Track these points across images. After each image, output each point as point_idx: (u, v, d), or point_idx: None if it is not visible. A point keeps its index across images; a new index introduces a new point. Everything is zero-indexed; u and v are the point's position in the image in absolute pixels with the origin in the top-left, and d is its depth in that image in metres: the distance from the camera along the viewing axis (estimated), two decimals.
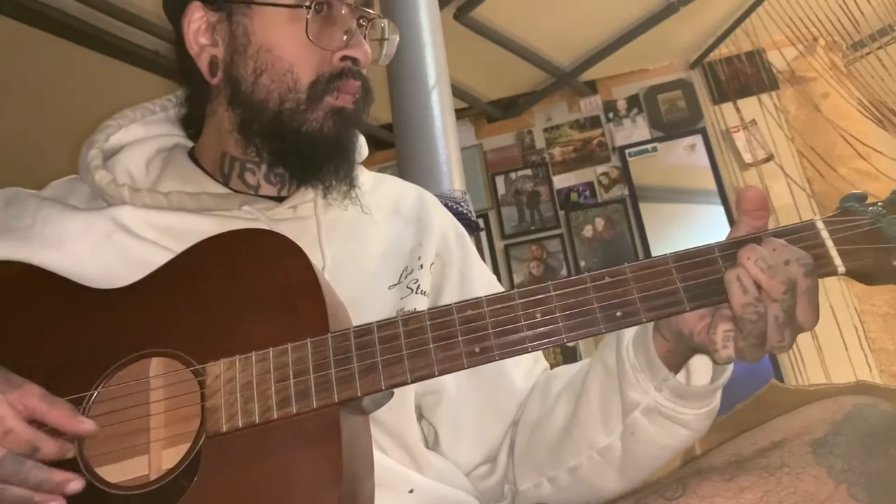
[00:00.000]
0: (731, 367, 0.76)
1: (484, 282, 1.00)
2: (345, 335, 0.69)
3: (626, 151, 3.77)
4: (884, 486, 0.59)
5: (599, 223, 3.70)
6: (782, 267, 0.63)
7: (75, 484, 0.66)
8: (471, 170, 3.70)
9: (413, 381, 0.67)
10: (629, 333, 0.78)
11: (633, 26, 3.35)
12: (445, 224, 1.01)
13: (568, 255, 3.69)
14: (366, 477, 0.69)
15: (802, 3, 3.24)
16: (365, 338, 0.68)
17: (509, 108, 3.97)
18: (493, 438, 0.91)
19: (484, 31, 3.15)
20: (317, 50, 0.86)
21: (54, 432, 0.68)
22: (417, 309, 0.83)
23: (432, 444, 0.92)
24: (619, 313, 0.66)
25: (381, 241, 0.94)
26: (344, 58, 0.87)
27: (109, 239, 0.84)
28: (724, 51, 3.68)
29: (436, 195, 2.05)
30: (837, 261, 0.65)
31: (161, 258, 0.78)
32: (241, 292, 0.73)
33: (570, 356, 3.31)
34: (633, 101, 3.84)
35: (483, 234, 3.71)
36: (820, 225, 0.67)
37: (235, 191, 0.91)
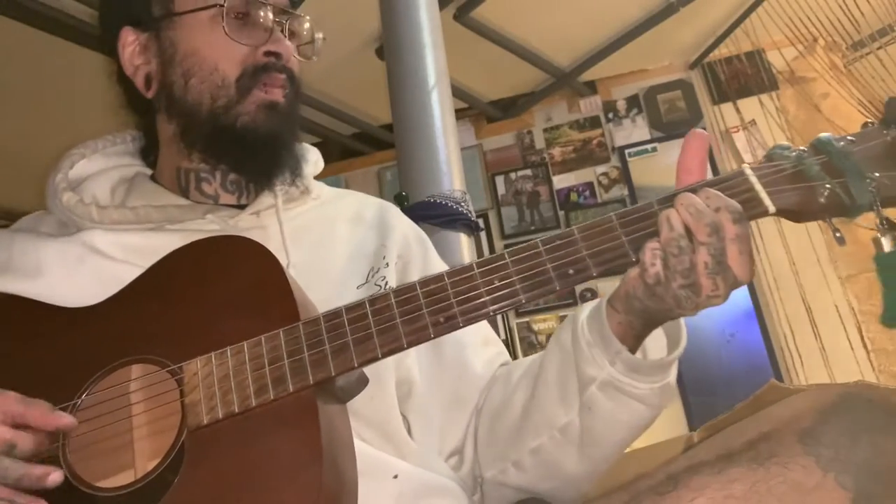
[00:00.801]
0: (684, 342, 0.80)
1: None
2: (315, 321, 0.71)
3: (626, 151, 3.78)
4: (870, 473, 0.59)
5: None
6: (709, 212, 0.68)
7: (55, 476, 0.67)
8: (471, 170, 3.70)
9: (384, 356, 0.70)
10: (584, 313, 0.81)
11: (633, 26, 3.36)
12: (405, 227, 1.05)
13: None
14: (347, 459, 0.71)
15: (802, 3, 3.25)
16: (335, 320, 0.71)
17: (509, 108, 3.98)
18: (457, 427, 0.93)
19: (484, 31, 3.16)
20: (239, 47, 0.91)
21: (33, 432, 0.69)
22: None
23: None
24: (571, 271, 0.71)
25: (345, 246, 0.98)
26: (267, 53, 0.92)
27: (83, 262, 0.87)
28: (723, 51, 3.69)
29: (436, 195, 2.08)
30: (767, 201, 0.70)
31: (133, 276, 0.81)
32: (212, 295, 0.76)
33: None
34: (632, 101, 3.85)
35: (483, 234, 3.71)
36: (748, 171, 0.72)
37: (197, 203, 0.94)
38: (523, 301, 0.70)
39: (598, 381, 0.78)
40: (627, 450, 0.88)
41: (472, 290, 0.70)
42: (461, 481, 0.91)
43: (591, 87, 3.91)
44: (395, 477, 0.81)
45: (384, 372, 0.87)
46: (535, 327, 3.63)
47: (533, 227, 3.77)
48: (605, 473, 0.88)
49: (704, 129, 3.64)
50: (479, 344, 0.98)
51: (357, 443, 0.75)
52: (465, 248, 1.97)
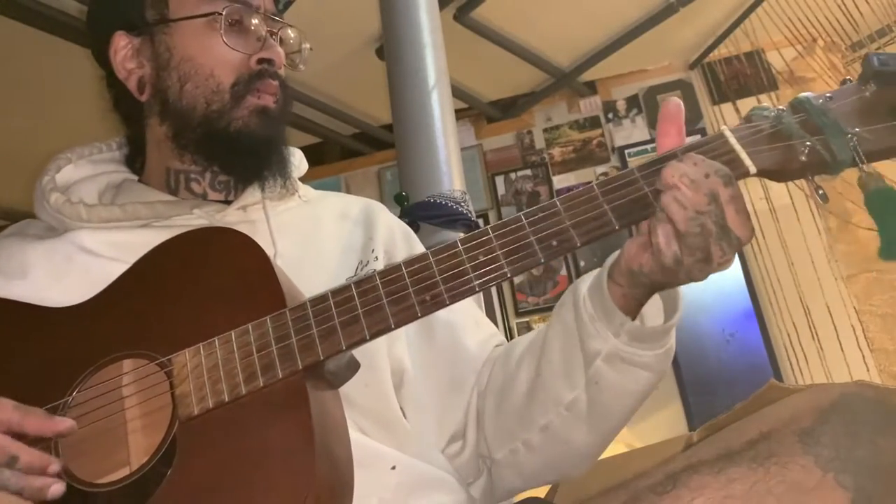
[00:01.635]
0: (681, 307, 0.80)
1: None
2: (302, 306, 0.71)
3: (626, 152, 3.77)
4: (870, 473, 0.59)
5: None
6: (703, 180, 0.68)
7: (57, 487, 0.67)
8: (471, 170, 3.71)
9: (372, 337, 0.70)
10: (584, 288, 0.82)
11: (633, 27, 3.36)
12: (391, 223, 1.06)
13: (567, 254, 3.69)
14: (342, 446, 0.70)
15: (801, 3, 3.25)
16: (321, 305, 0.71)
17: (509, 108, 3.98)
18: (455, 411, 0.93)
19: (484, 31, 3.16)
20: (234, 54, 0.93)
21: (34, 444, 0.69)
22: None
23: None
24: (554, 242, 0.71)
25: (332, 241, 0.99)
26: (260, 60, 0.94)
27: (71, 261, 0.88)
28: (723, 51, 3.69)
29: (436, 195, 2.08)
30: (748, 162, 0.71)
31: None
32: (199, 287, 0.76)
33: None
34: (632, 101, 3.85)
35: None
36: (728, 133, 0.73)
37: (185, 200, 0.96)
38: (508, 275, 0.71)
39: (603, 353, 0.79)
40: (627, 449, 0.88)
41: (457, 266, 0.70)
42: (460, 470, 0.91)
43: (591, 88, 3.91)
44: (393, 468, 0.82)
45: (378, 358, 0.88)
46: (535, 327, 3.63)
47: None
48: (605, 473, 0.88)
49: (704, 129, 3.66)
50: (471, 325, 0.99)
51: (355, 434, 0.75)
52: None
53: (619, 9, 3.26)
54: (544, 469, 0.90)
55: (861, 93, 0.72)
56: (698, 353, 3.40)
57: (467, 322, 0.99)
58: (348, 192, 3.72)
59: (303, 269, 0.86)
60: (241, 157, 0.93)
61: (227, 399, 0.69)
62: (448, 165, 2.00)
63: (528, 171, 3.90)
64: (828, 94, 0.73)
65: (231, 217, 0.94)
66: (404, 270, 0.71)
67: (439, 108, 2.04)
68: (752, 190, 3.19)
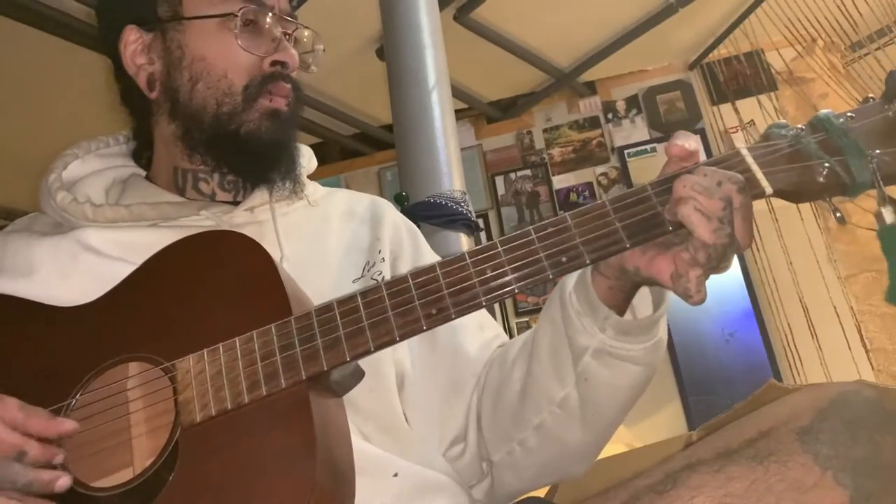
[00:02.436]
0: (669, 296, 0.79)
1: None
2: (307, 315, 0.71)
3: (626, 152, 3.78)
4: (868, 471, 0.60)
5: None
6: (716, 188, 0.66)
7: (64, 480, 0.67)
8: (470, 170, 3.71)
9: (377, 349, 0.69)
10: (569, 284, 0.81)
11: (633, 27, 3.36)
12: (397, 221, 1.05)
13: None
14: (344, 454, 0.70)
15: (801, 3, 3.25)
16: (326, 314, 0.70)
17: (509, 108, 3.98)
18: (456, 414, 0.92)
19: (484, 32, 3.16)
20: (247, 55, 0.91)
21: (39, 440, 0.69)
22: None
23: None
24: (563, 258, 0.69)
25: (339, 241, 0.98)
26: (273, 62, 0.93)
27: (76, 260, 0.87)
28: (722, 51, 3.69)
29: (436, 195, 2.08)
30: (764, 182, 0.69)
31: (127, 273, 0.80)
32: (204, 291, 0.76)
33: None
34: (632, 101, 3.85)
35: (483, 235, 3.72)
36: (745, 152, 0.70)
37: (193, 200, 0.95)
38: (516, 290, 0.70)
39: (590, 349, 0.78)
40: (627, 449, 0.88)
41: (464, 280, 0.69)
42: (462, 472, 0.90)
43: (591, 88, 3.91)
44: (396, 475, 0.81)
45: (383, 364, 0.88)
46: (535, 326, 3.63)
47: None
48: (605, 473, 0.88)
49: (703, 129, 3.65)
50: (473, 328, 0.98)
51: (358, 441, 0.75)
52: (464, 248, 1.98)
53: (618, 9, 3.26)
54: (542, 469, 0.89)
55: (884, 112, 0.70)
56: (698, 352, 3.40)
57: (470, 325, 0.98)
58: None
59: (309, 271, 0.85)
60: (251, 159, 0.92)
61: (229, 407, 0.68)
62: (448, 165, 2.00)
63: (527, 172, 3.90)
64: (849, 113, 0.70)
65: (238, 218, 0.93)
66: (411, 282, 0.70)
67: (439, 108, 2.04)
68: None
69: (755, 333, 3.42)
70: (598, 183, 3.80)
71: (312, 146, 1.06)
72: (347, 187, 4.26)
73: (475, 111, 3.95)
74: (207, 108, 0.91)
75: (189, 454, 0.68)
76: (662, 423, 3.31)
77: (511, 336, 1.03)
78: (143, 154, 1.02)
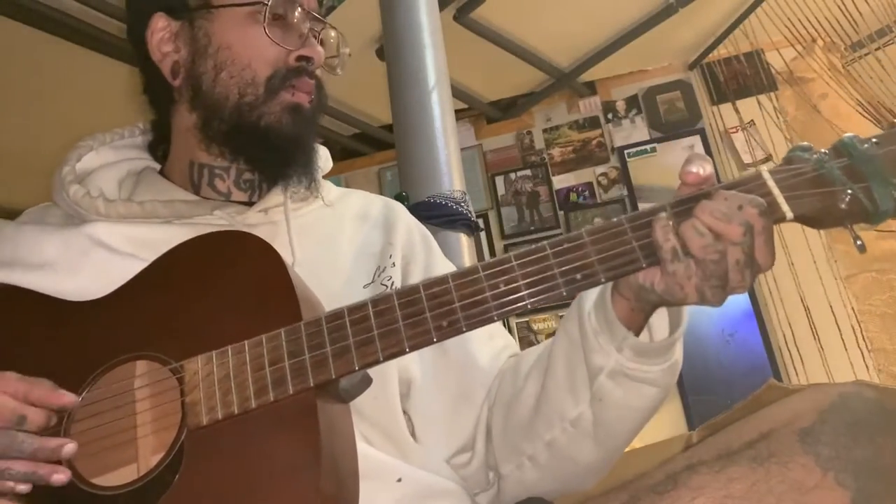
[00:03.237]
0: (686, 319, 0.79)
1: None
2: (317, 322, 0.70)
3: (626, 152, 3.78)
4: (870, 472, 0.60)
5: (599, 224, 3.71)
6: (737, 213, 0.65)
7: (70, 447, 0.68)
8: (470, 170, 3.71)
9: (386, 359, 0.68)
10: (589, 302, 0.80)
11: (633, 27, 3.36)
12: (411, 225, 1.05)
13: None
14: (348, 462, 0.70)
15: (801, 3, 3.25)
16: (336, 322, 0.70)
17: (509, 108, 3.98)
18: (465, 423, 0.92)
19: (484, 32, 3.16)
20: (274, 47, 0.91)
21: (46, 433, 0.70)
22: None
23: (410, 434, 0.92)
24: (578, 276, 0.68)
25: (352, 244, 0.97)
26: (299, 57, 0.92)
27: (87, 256, 0.86)
28: (722, 51, 3.69)
29: (436, 195, 2.08)
30: (785, 207, 0.68)
31: (138, 269, 0.80)
32: (214, 291, 0.76)
33: None
34: (632, 101, 3.85)
35: (483, 235, 3.72)
36: (766, 175, 0.69)
37: (207, 199, 0.94)
38: (528, 307, 0.68)
39: (606, 369, 0.77)
40: (627, 449, 0.88)
41: (477, 293, 0.69)
42: (468, 479, 0.90)
43: (591, 88, 3.91)
44: (399, 480, 0.81)
45: (388, 371, 0.87)
46: (535, 327, 3.63)
47: (532, 228, 3.77)
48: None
49: (703, 129, 3.65)
50: (484, 338, 0.97)
51: (361, 445, 0.74)
52: (465, 248, 1.97)
53: (618, 9, 3.26)
54: (551, 484, 0.88)
55: None
56: (698, 352, 3.40)
57: (481, 334, 0.96)
58: None
59: (321, 274, 0.85)
60: (269, 152, 0.91)
61: (236, 411, 0.68)
62: (448, 166, 2.00)
63: (527, 172, 3.90)
64: (874, 139, 0.69)
65: (252, 219, 0.92)
66: (423, 293, 0.69)
67: (439, 108, 2.04)
68: None
69: (755, 334, 3.42)
70: (598, 183, 3.80)
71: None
72: (348, 187, 4.25)
73: (475, 111, 3.95)
74: (229, 97, 0.90)
75: (194, 457, 0.68)
76: (663, 423, 3.31)
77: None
78: (158, 147, 1.02)
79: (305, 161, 0.94)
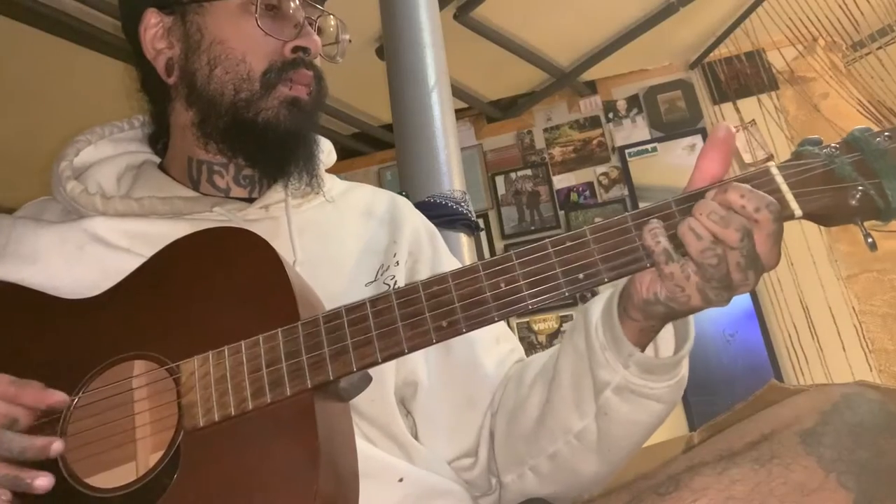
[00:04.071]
0: (693, 334, 0.78)
1: None
2: (314, 322, 0.69)
3: (626, 151, 3.77)
4: (872, 474, 0.59)
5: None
6: (735, 216, 0.63)
7: (57, 445, 0.67)
8: (471, 170, 3.71)
9: (384, 360, 0.67)
10: (596, 315, 0.78)
11: (633, 27, 3.36)
12: (417, 223, 1.02)
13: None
14: (348, 461, 0.69)
15: (802, 3, 3.25)
16: (334, 322, 0.68)
17: (509, 108, 3.98)
18: (469, 428, 0.91)
19: (484, 31, 3.16)
20: (268, 40, 0.88)
21: (40, 431, 0.70)
22: None
23: (413, 436, 0.91)
24: (581, 275, 0.66)
25: (355, 241, 0.95)
26: (295, 49, 0.89)
27: (83, 250, 0.85)
28: (723, 51, 3.68)
29: (436, 195, 2.08)
30: (794, 204, 0.66)
31: (135, 265, 0.79)
32: (211, 290, 0.74)
33: None
34: (632, 101, 3.85)
35: (483, 234, 3.71)
36: (774, 170, 0.67)
37: (206, 195, 0.92)
38: (530, 307, 0.67)
39: (612, 385, 0.76)
40: None
41: (477, 293, 0.67)
42: (470, 483, 0.89)
43: (591, 87, 3.91)
44: (401, 480, 0.80)
45: (386, 374, 0.86)
46: (536, 327, 3.63)
47: (533, 228, 3.77)
48: None
49: (704, 129, 3.65)
50: (490, 342, 0.95)
51: (363, 444, 0.74)
52: (465, 248, 1.97)
53: (618, 9, 3.25)
54: (552, 494, 0.88)
55: None
56: (699, 353, 3.37)
57: (487, 337, 0.95)
58: None
59: (322, 272, 0.84)
60: (267, 149, 0.89)
61: (233, 413, 0.67)
62: (448, 165, 1.99)
63: (528, 171, 3.90)
64: (886, 133, 0.66)
65: (253, 215, 0.90)
66: (422, 292, 0.68)
67: (439, 108, 2.03)
68: None
69: (756, 334, 3.42)
70: (599, 183, 3.79)
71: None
72: None
73: (475, 111, 3.95)
74: (225, 94, 0.88)
75: (191, 460, 0.67)
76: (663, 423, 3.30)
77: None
78: (158, 139, 1.00)
79: (307, 156, 0.92)
